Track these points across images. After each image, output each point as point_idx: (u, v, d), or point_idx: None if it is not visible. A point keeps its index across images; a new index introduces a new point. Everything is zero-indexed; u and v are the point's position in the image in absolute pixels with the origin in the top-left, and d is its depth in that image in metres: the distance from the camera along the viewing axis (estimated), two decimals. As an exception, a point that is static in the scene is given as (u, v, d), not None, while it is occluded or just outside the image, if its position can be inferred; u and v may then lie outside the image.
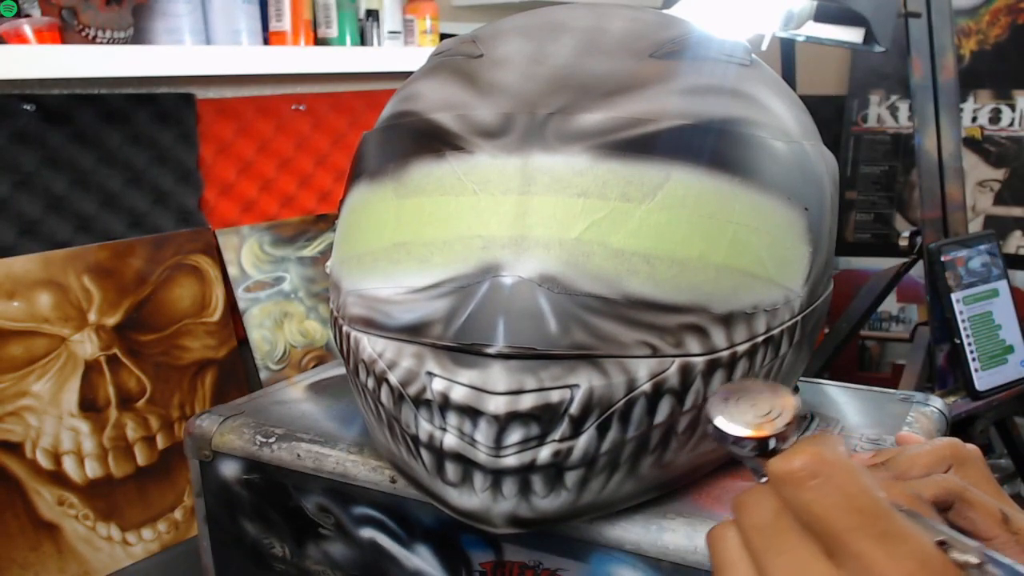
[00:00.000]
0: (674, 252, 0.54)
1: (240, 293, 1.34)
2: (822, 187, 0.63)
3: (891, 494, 0.34)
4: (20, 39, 1.03)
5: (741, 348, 0.56)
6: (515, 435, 0.52)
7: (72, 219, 1.18)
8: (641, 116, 0.56)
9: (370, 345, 0.59)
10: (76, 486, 1.13)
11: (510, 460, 0.53)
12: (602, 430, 0.53)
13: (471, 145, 0.57)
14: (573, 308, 0.53)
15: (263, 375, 1.35)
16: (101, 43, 1.10)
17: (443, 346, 0.54)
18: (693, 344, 0.54)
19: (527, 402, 0.52)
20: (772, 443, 0.37)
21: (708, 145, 0.56)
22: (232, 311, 1.33)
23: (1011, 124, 2.20)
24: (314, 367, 1.40)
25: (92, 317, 1.16)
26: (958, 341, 1.41)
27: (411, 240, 0.58)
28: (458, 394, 0.53)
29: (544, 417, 0.52)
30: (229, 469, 0.74)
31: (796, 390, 0.77)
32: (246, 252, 1.36)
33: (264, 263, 1.38)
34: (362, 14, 1.45)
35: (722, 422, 0.38)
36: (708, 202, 0.55)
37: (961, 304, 1.42)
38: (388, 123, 0.64)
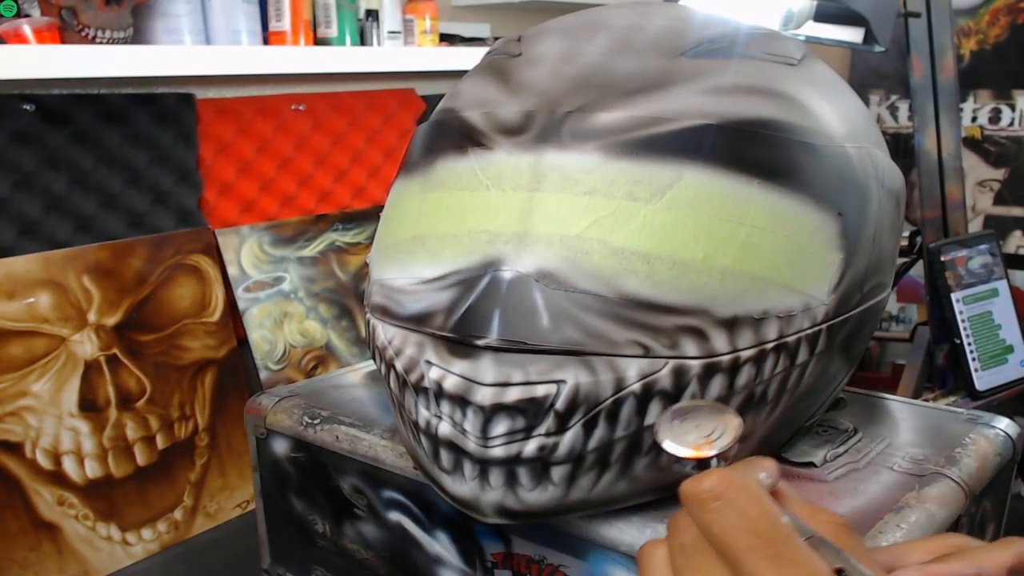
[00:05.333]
0: (676, 253, 0.54)
1: (240, 293, 1.34)
2: (864, 192, 0.61)
3: (812, 520, 0.36)
4: (20, 39, 1.03)
5: (746, 354, 0.55)
6: (501, 426, 0.53)
7: (72, 219, 1.18)
8: (659, 115, 0.56)
9: (383, 333, 0.61)
10: (76, 486, 1.13)
11: (497, 451, 0.53)
12: (589, 427, 0.53)
13: (492, 142, 0.58)
14: (567, 305, 0.53)
15: (263, 375, 1.35)
16: (101, 43, 1.10)
17: (441, 336, 0.55)
18: (689, 346, 0.54)
19: (513, 395, 0.52)
20: (713, 463, 0.38)
21: (726, 145, 0.55)
22: (232, 311, 1.33)
23: (1011, 124, 2.20)
24: (314, 367, 1.40)
25: (92, 317, 1.16)
26: (958, 341, 1.41)
27: (427, 233, 0.60)
28: (450, 383, 0.54)
29: (530, 411, 0.53)
30: (280, 447, 0.78)
31: (841, 402, 0.76)
32: (246, 252, 1.36)
33: (264, 263, 1.38)
34: (362, 14, 1.45)
35: (667, 442, 0.39)
36: (720, 204, 0.54)
37: (961, 304, 1.42)
38: (431, 119, 0.66)
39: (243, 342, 1.34)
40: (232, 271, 1.33)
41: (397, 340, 0.59)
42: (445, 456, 0.56)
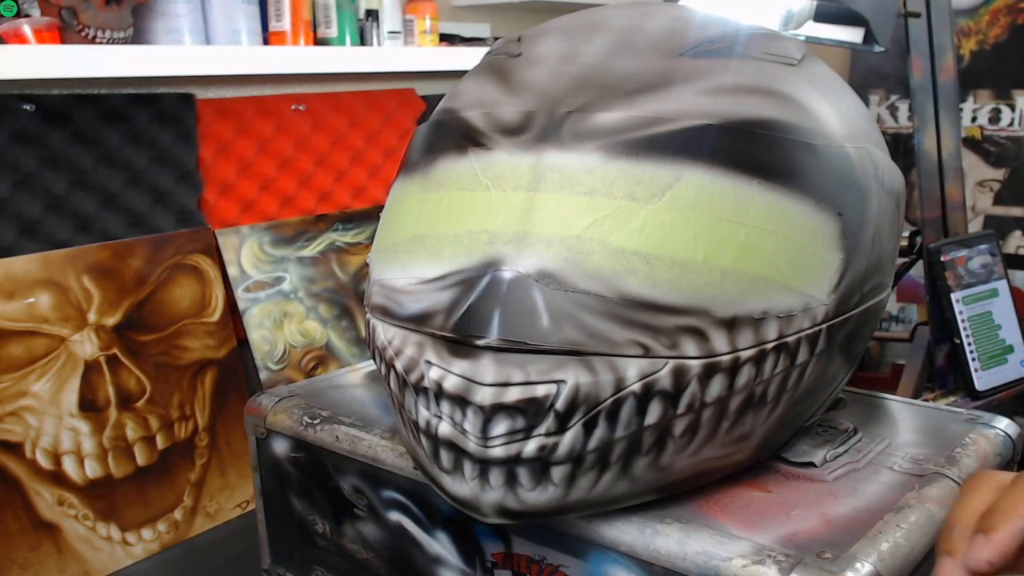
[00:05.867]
0: (676, 253, 0.54)
1: (240, 293, 1.34)
2: (864, 192, 0.61)
3: None
4: (20, 39, 1.03)
5: (745, 354, 0.55)
6: (501, 426, 0.53)
7: (72, 219, 1.18)
8: (659, 115, 0.56)
9: (383, 333, 0.61)
10: (76, 486, 1.13)
11: (497, 451, 0.54)
12: (589, 427, 0.53)
13: (492, 142, 0.58)
14: (567, 305, 0.53)
15: (263, 375, 1.35)
16: (101, 43, 1.10)
17: (441, 336, 0.55)
18: (689, 346, 0.54)
19: (513, 395, 0.53)
20: None
21: (726, 146, 0.55)
22: (232, 311, 1.33)
23: (1011, 124, 2.20)
24: (314, 367, 1.40)
25: (92, 317, 1.16)
26: (958, 341, 1.41)
27: (427, 233, 0.60)
28: (450, 383, 0.54)
29: (530, 410, 0.53)
30: (280, 447, 0.78)
31: (840, 402, 0.76)
32: (246, 252, 1.36)
33: (264, 263, 1.38)
34: (362, 14, 1.45)
35: None
36: (720, 204, 0.54)
37: (961, 304, 1.42)
38: (431, 119, 0.66)
39: (243, 342, 1.34)
40: (232, 271, 1.33)
41: (397, 340, 0.59)
42: (445, 456, 0.56)
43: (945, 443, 0.67)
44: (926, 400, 1.39)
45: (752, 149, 0.56)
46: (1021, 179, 2.21)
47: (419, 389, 0.57)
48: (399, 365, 0.58)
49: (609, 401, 0.53)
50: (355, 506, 0.73)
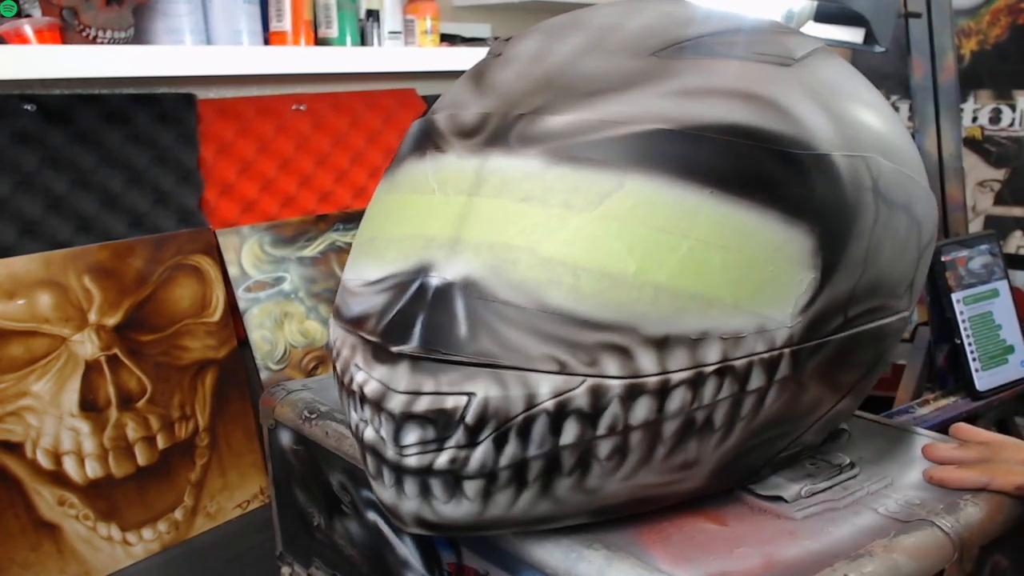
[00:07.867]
0: (606, 266, 0.51)
1: (240, 293, 1.34)
2: (851, 205, 0.55)
3: None
4: (20, 39, 1.03)
5: (677, 376, 0.52)
6: (411, 436, 0.52)
7: (72, 219, 1.18)
8: (612, 119, 0.53)
9: (332, 332, 0.61)
10: (76, 486, 1.13)
11: (410, 460, 0.52)
12: (499, 443, 0.51)
13: (447, 144, 0.58)
14: (486, 315, 0.51)
15: (263, 375, 1.35)
16: (102, 43, 1.09)
17: (369, 340, 0.55)
18: (610, 365, 0.51)
19: (422, 404, 0.51)
20: None
21: (677, 152, 0.52)
22: (232, 311, 1.33)
23: (1011, 124, 2.20)
24: (314, 367, 1.40)
25: (92, 317, 1.16)
26: (958, 341, 1.41)
27: (378, 235, 0.60)
28: (370, 388, 0.53)
29: (439, 421, 0.51)
30: (285, 438, 0.80)
31: (841, 433, 0.69)
32: (246, 252, 1.36)
33: (264, 263, 1.38)
34: (362, 14, 1.45)
35: None
36: (662, 214, 0.51)
37: (961, 304, 1.42)
38: (416, 121, 0.66)
39: (243, 342, 1.34)
40: (233, 271, 1.33)
41: (339, 341, 0.59)
42: (370, 461, 0.55)
43: (954, 490, 0.61)
44: (927, 400, 1.39)
45: (708, 156, 0.52)
46: (1021, 179, 2.20)
47: (350, 392, 0.56)
48: (337, 366, 0.58)
49: (520, 417, 0.51)
50: (342, 503, 0.74)
